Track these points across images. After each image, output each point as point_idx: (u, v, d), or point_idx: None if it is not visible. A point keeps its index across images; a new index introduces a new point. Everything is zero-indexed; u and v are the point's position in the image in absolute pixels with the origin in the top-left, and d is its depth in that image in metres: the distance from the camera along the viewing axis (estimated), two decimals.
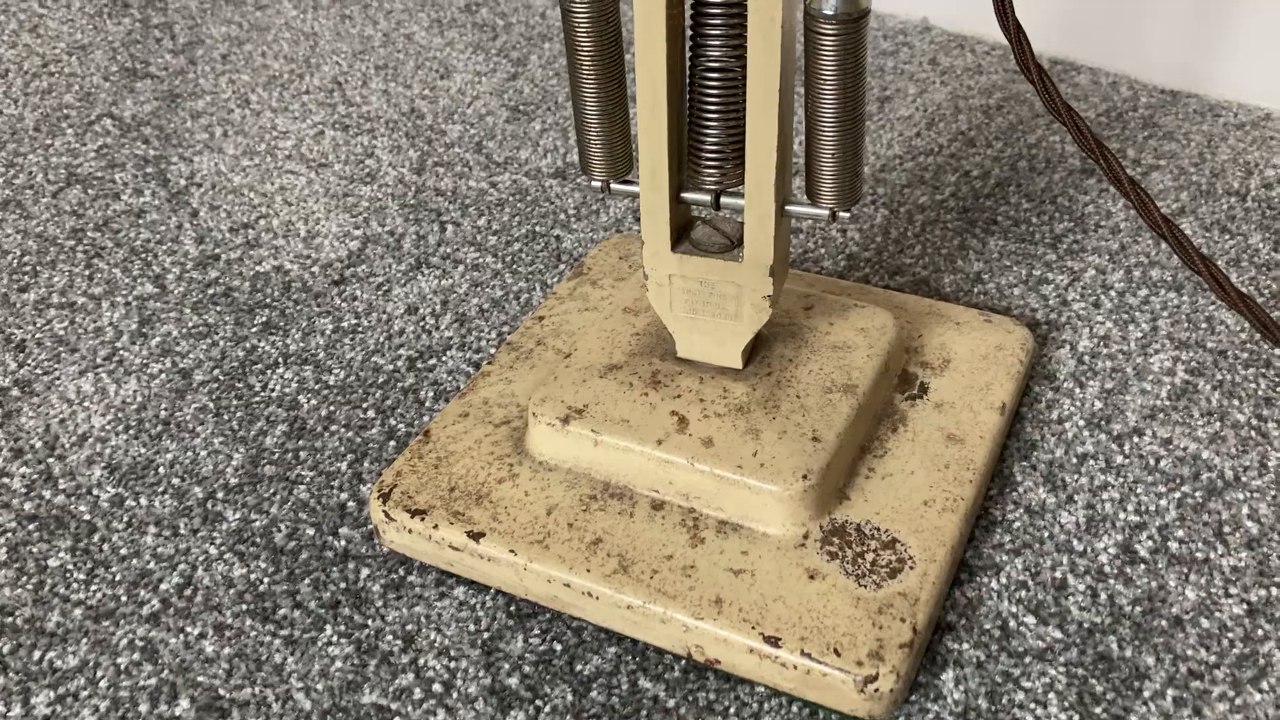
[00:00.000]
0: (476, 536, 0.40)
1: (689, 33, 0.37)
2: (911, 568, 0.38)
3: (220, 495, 0.45)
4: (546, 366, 0.45)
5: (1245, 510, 0.42)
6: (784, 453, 0.39)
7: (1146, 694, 0.37)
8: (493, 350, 0.51)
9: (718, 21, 0.36)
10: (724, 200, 0.39)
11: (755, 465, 0.39)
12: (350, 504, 0.44)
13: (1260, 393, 0.47)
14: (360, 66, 0.73)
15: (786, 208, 0.39)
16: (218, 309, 0.54)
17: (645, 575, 0.38)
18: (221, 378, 0.50)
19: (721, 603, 0.37)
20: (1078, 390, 0.48)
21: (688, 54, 0.37)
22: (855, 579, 0.38)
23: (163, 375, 0.51)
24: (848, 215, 0.38)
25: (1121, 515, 0.42)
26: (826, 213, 0.38)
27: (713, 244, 0.40)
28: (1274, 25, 0.63)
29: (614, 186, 0.40)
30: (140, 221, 0.60)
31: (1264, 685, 0.37)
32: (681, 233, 0.41)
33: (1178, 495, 0.43)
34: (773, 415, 0.41)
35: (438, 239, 0.58)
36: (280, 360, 0.51)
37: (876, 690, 0.35)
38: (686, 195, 0.39)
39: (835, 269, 0.55)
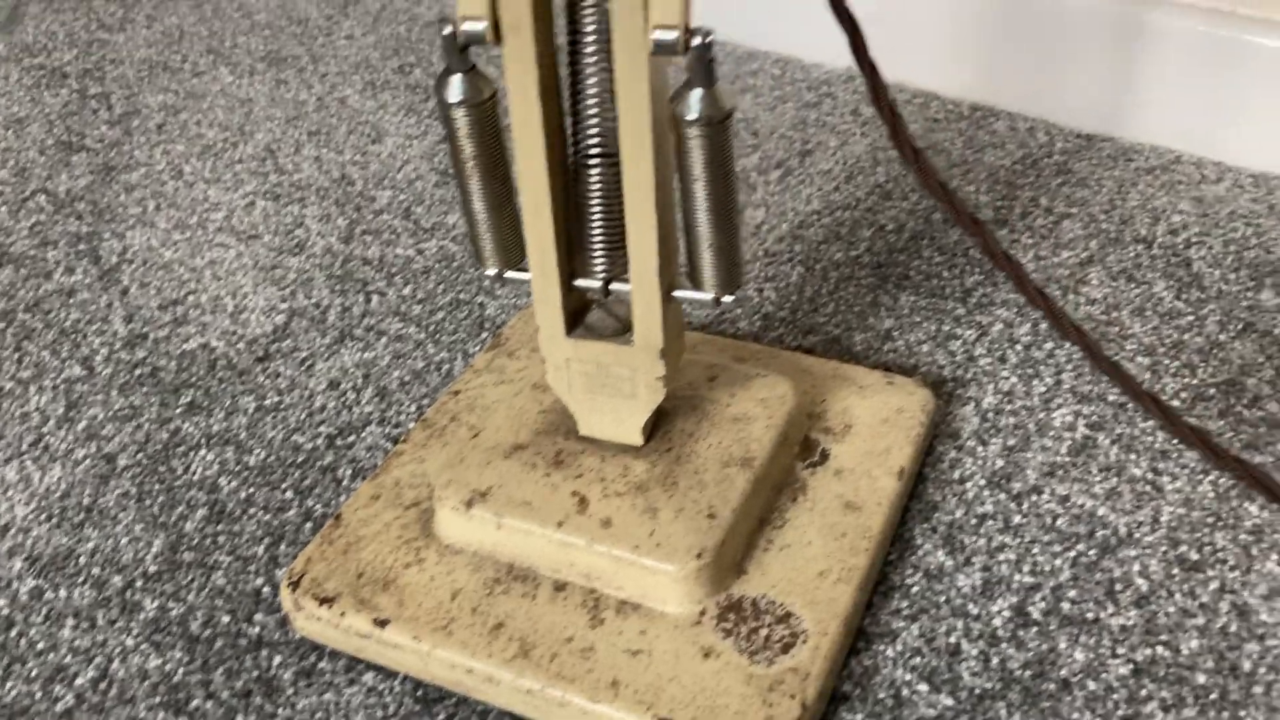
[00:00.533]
0: (382, 624, 0.41)
1: (570, 127, 0.38)
2: (804, 642, 0.39)
3: (139, 584, 0.46)
4: (457, 445, 0.45)
5: (1136, 567, 0.43)
6: (679, 531, 0.40)
7: None
8: (410, 425, 0.52)
9: (594, 119, 0.37)
10: (614, 286, 0.40)
11: (651, 545, 0.40)
12: (265, 589, 0.45)
13: (1157, 446, 0.48)
14: (293, 133, 0.74)
15: (674, 293, 0.40)
16: (144, 390, 0.55)
17: (545, 659, 0.39)
18: (145, 461, 0.51)
19: (618, 685, 0.38)
20: (980, 449, 0.49)
21: (570, 146, 0.38)
22: (748, 656, 0.39)
23: (87, 461, 0.51)
24: (730, 299, 0.39)
25: (1017, 577, 0.43)
26: (711, 297, 0.39)
27: (606, 328, 0.41)
28: (1184, 67, 0.65)
29: (508, 275, 0.41)
30: (71, 301, 0.61)
31: None
32: (578, 316, 0.42)
33: (1072, 554, 0.44)
34: (670, 493, 0.42)
35: (362, 310, 0.59)
36: (203, 442, 0.52)
37: None
38: (578, 282, 0.40)
39: (751, 329, 0.56)
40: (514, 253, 0.40)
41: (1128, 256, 0.59)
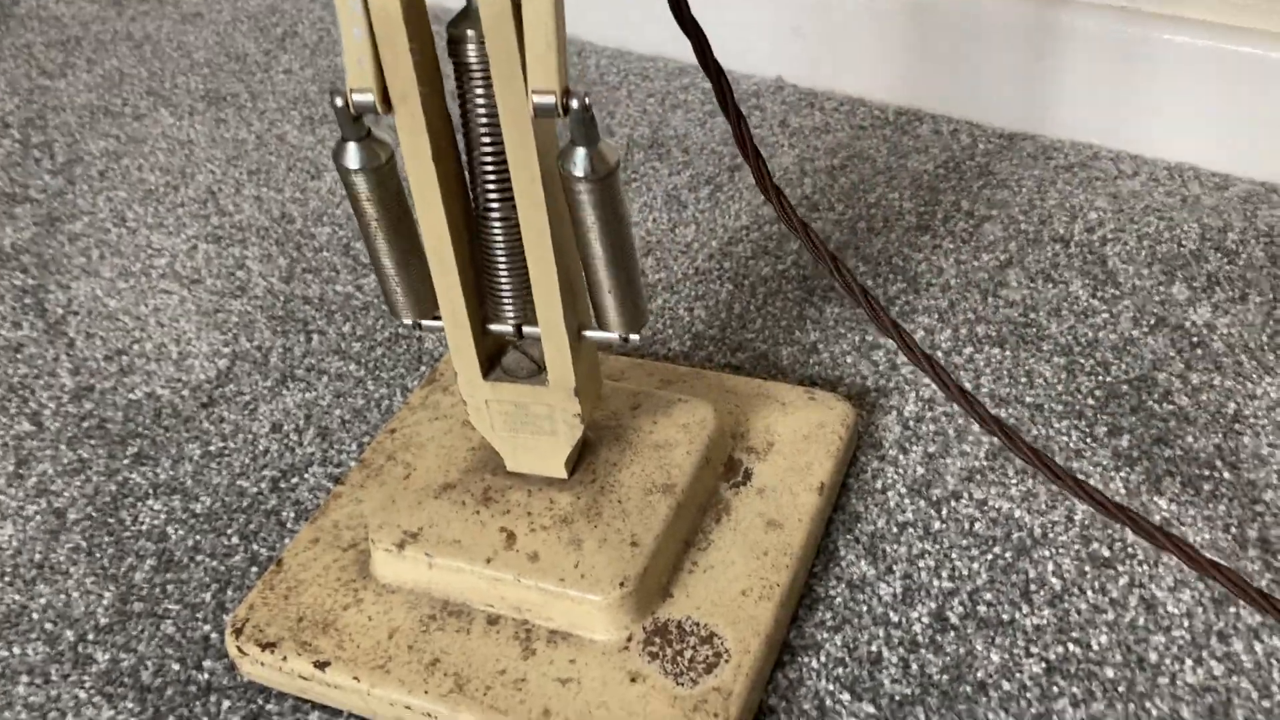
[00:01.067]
0: (323, 666, 0.42)
1: (469, 181, 0.39)
2: (726, 661, 0.41)
3: (90, 637, 0.47)
4: (390, 485, 0.47)
5: (1050, 567, 0.45)
6: (603, 562, 0.42)
7: None
8: (351, 464, 0.53)
9: (490, 175, 0.38)
10: (526, 330, 0.41)
11: (577, 576, 0.42)
12: (214, 635, 0.47)
13: (1071, 445, 0.50)
14: (234, 172, 0.75)
15: (584, 334, 0.41)
16: (92, 442, 0.56)
17: (479, 692, 0.41)
18: (94, 514, 0.53)
19: (549, 714, 0.40)
20: (901, 457, 0.50)
21: (471, 199, 0.40)
22: (674, 678, 0.40)
23: (38, 517, 0.53)
24: (637, 338, 0.41)
25: (936, 583, 0.45)
26: (617, 337, 0.41)
27: (521, 370, 0.42)
28: (1097, 63, 0.66)
29: (424, 324, 0.42)
30: (18, 356, 0.62)
31: None
32: (494, 359, 0.43)
33: (989, 558, 0.46)
34: (595, 523, 0.43)
35: (304, 350, 0.60)
36: (150, 491, 0.53)
37: None
38: (491, 327, 0.42)
39: (681, 349, 0.57)
40: (427, 303, 0.42)
41: (1045, 256, 0.60)
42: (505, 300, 0.41)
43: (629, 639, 0.42)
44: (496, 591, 0.43)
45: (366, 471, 0.50)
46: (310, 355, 0.60)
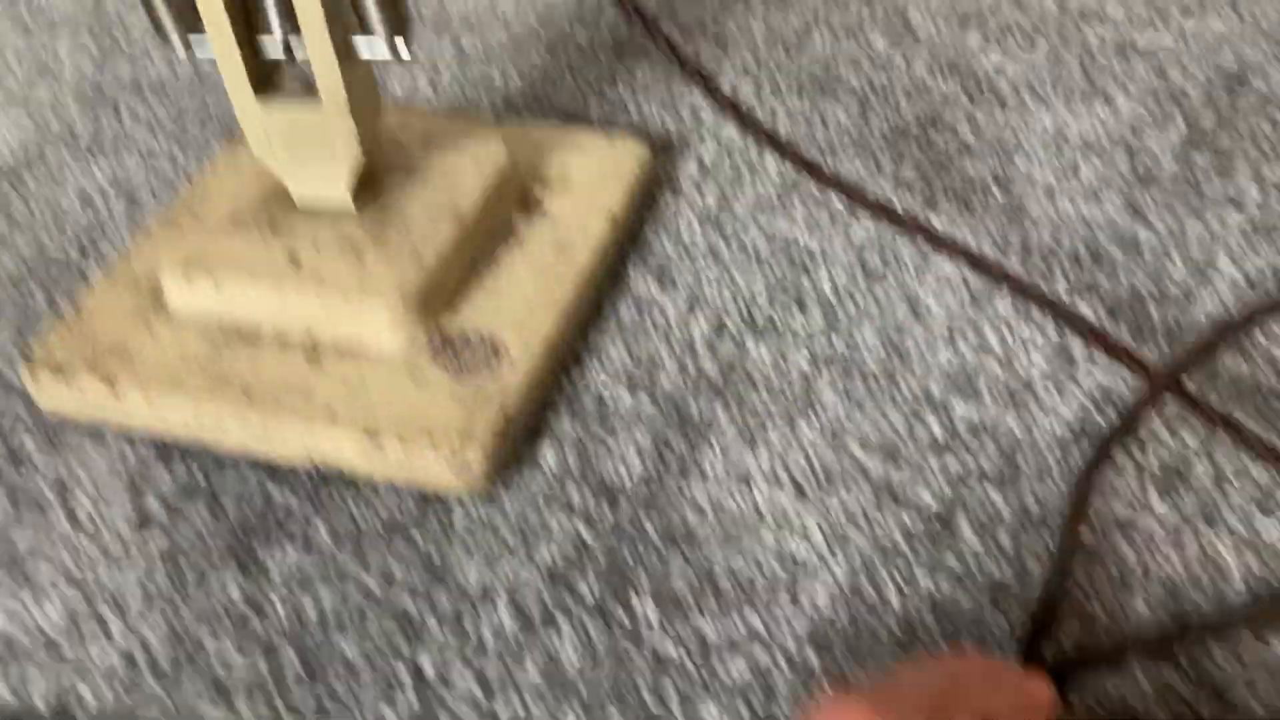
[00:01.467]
0: (115, 386, 0.43)
1: None
2: (508, 361, 0.42)
3: None
4: (184, 223, 0.47)
5: (825, 280, 0.47)
6: (386, 274, 0.43)
7: (714, 439, 0.42)
8: None
9: None
10: (293, 41, 0.42)
11: (359, 289, 0.43)
12: (11, 375, 0.47)
13: (859, 175, 0.52)
14: None
15: (350, 38, 0.41)
16: None
17: (268, 401, 0.42)
18: None
19: (335, 413, 0.41)
20: (696, 195, 0.52)
21: None
22: (455, 377, 0.42)
23: None
24: (406, 53, 0.41)
25: (718, 299, 0.47)
26: (384, 43, 0.41)
27: (294, 89, 0.43)
28: None
29: (192, 40, 0.42)
30: None
31: (813, 420, 0.42)
32: (268, 81, 0.43)
33: (769, 275, 0.48)
34: (379, 243, 0.44)
35: (115, 129, 0.60)
36: None
37: (466, 466, 0.40)
38: (261, 39, 0.42)
39: (495, 113, 0.58)
40: (189, 15, 0.42)
41: (850, 15, 0.62)
42: (268, 6, 0.41)
43: (413, 346, 0.43)
44: (284, 311, 0.44)
45: (165, 222, 0.50)
46: (120, 132, 0.60)
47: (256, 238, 0.45)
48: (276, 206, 0.46)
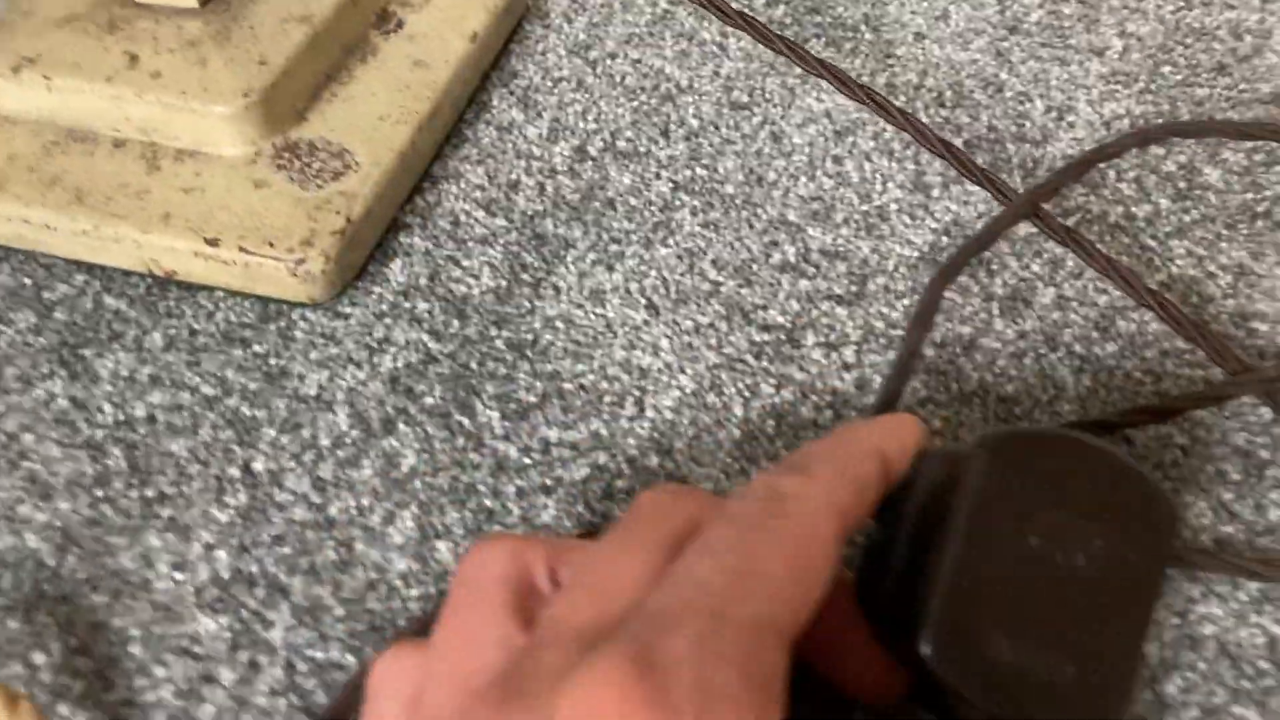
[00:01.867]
0: None
1: None
2: (355, 171, 0.41)
3: None
4: (13, 22, 0.44)
5: (691, 111, 0.47)
6: (229, 76, 0.41)
7: (570, 259, 0.41)
8: None
9: None
10: None
11: (200, 90, 0.41)
12: None
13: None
14: None
15: None
16: None
17: (100, 203, 0.40)
18: None
19: (170, 217, 0.39)
20: (566, 25, 0.51)
21: None
22: (299, 184, 0.40)
23: None
24: None
25: (581, 124, 0.46)
26: None
27: None
28: None
29: None
30: None
31: (670, 242, 0.42)
32: None
33: (635, 104, 0.47)
34: (223, 46, 0.42)
35: None
36: None
37: (308, 272, 0.38)
38: None
39: None
40: None
41: None
42: None
43: (256, 154, 0.41)
44: (120, 112, 0.41)
45: None
46: None
47: (92, 36, 0.42)
48: (116, 6, 0.43)
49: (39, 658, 0.32)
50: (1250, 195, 0.43)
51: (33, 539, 0.34)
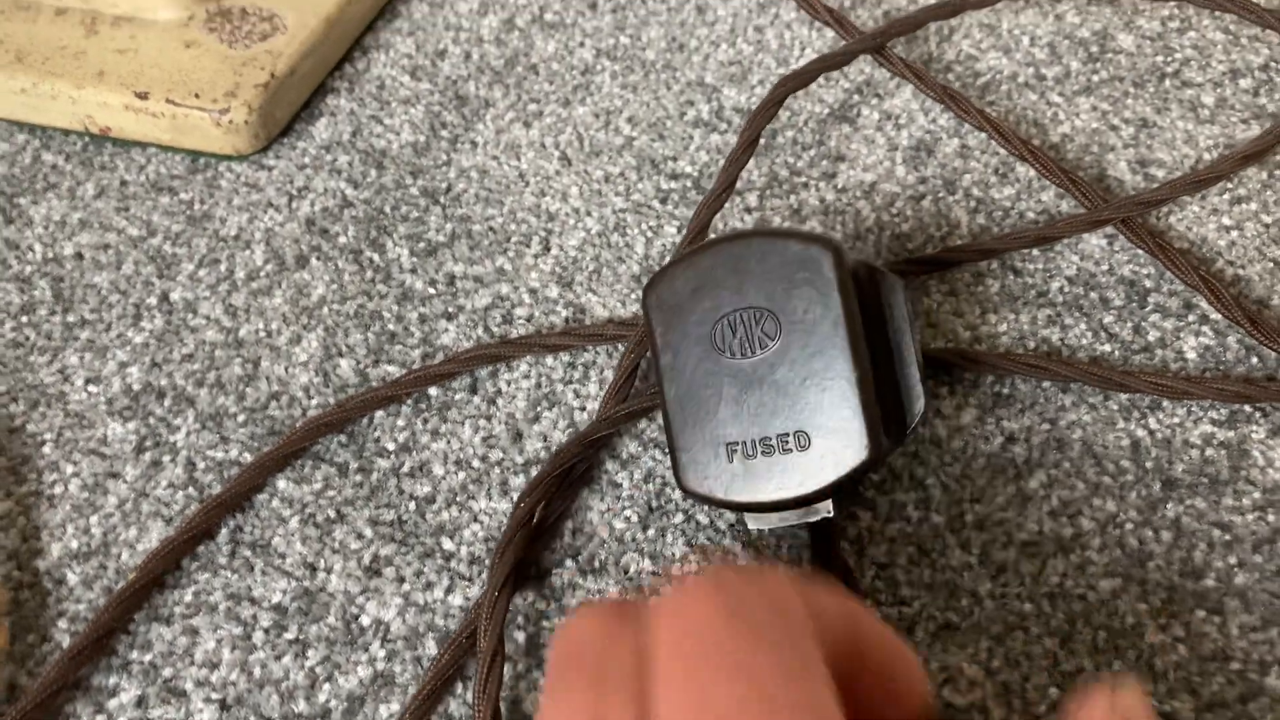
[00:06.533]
0: None
1: None
2: (282, 33, 0.42)
3: None
4: None
5: None
6: None
7: (489, 117, 0.43)
8: None
9: None
10: None
11: None
12: None
13: None
14: None
15: None
16: None
17: (38, 63, 0.42)
18: None
19: (104, 74, 0.41)
20: None
21: None
22: (228, 44, 0.42)
23: None
24: None
25: (511, 0, 0.48)
26: None
27: None
28: None
29: None
30: None
31: (588, 102, 0.43)
32: None
33: None
34: None
35: None
36: None
37: (231, 123, 0.40)
38: None
39: None
40: None
41: None
42: None
43: (190, 18, 0.43)
44: None
45: None
46: None
47: None
48: None
49: None
50: (1160, 58, 0.44)
51: None
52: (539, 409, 0.34)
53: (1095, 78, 0.43)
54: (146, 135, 0.41)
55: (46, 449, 0.34)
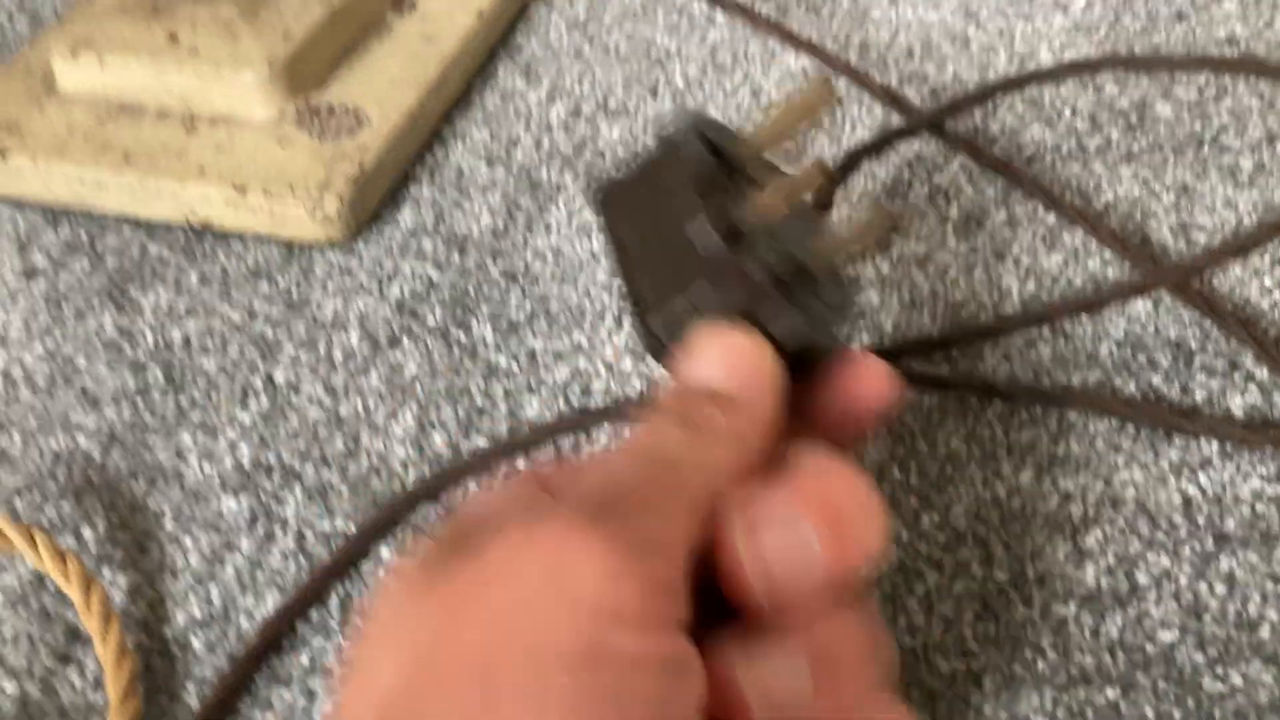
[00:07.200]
0: (4, 154, 0.46)
1: None
2: (368, 128, 0.46)
3: None
4: (72, 14, 0.50)
5: (678, 74, 0.51)
6: (256, 48, 0.46)
7: (560, 200, 0.45)
8: None
9: None
10: None
11: (232, 61, 0.46)
12: None
13: None
14: None
15: None
16: None
17: (144, 162, 0.45)
18: None
19: (205, 170, 0.45)
20: (567, 6, 0.55)
21: None
22: (318, 140, 0.45)
23: None
24: None
25: (578, 89, 0.51)
26: None
27: None
28: None
29: None
30: None
31: None
32: None
33: (627, 69, 0.51)
34: (252, 23, 0.47)
35: None
36: None
37: (324, 214, 0.43)
38: None
39: None
40: None
41: None
42: None
43: (281, 115, 0.46)
44: (162, 84, 0.47)
45: (62, 25, 0.53)
46: None
47: (139, 20, 0.48)
48: None
49: (87, 532, 0.36)
50: (1199, 125, 0.46)
51: (84, 440, 0.39)
52: None
53: (1135, 146, 0.45)
54: (245, 226, 0.44)
55: (167, 524, 0.36)
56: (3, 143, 0.46)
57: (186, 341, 0.42)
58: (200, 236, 0.45)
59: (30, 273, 0.45)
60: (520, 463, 0.37)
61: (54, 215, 0.47)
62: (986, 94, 0.43)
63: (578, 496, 0.22)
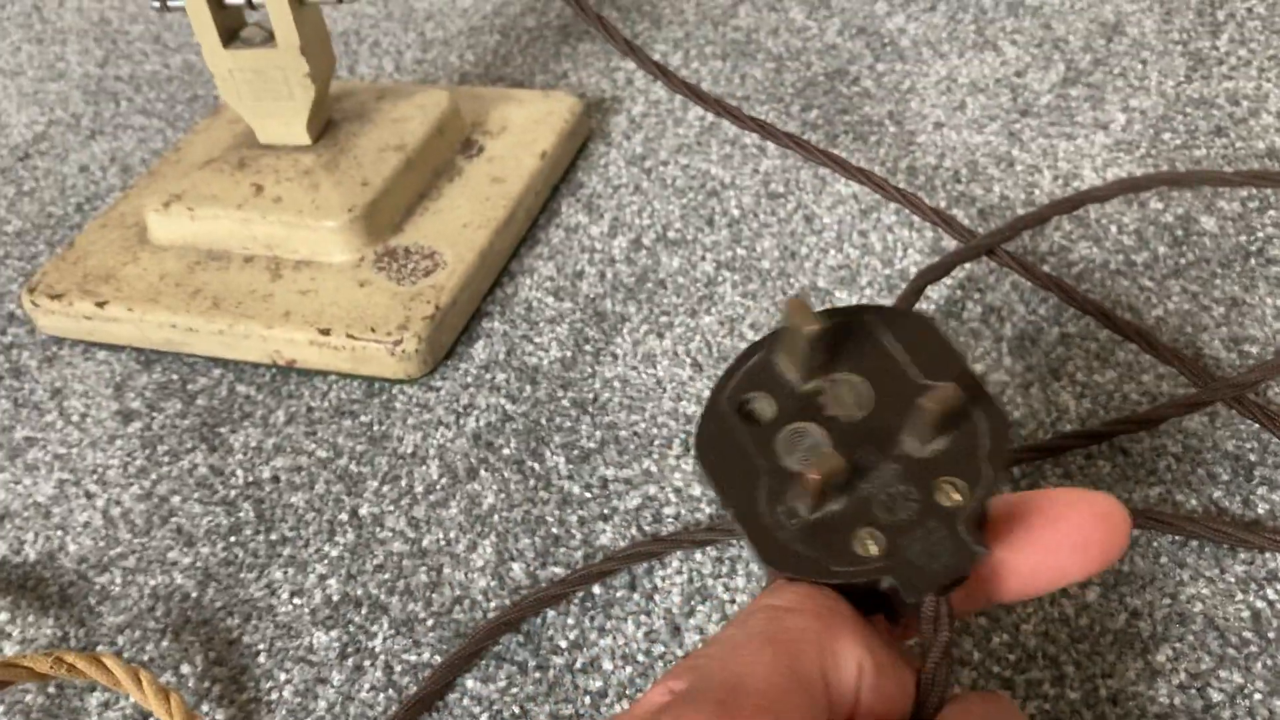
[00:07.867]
0: (102, 304, 0.49)
1: None
2: (443, 269, 0.48)
3: None
4: (165, 169, 0.54)
5: (733, 203, 0.53)
6: (336, 196, 0.49)
7: (625, 330, 0.47)
8: None
9: None
10: (256, 1, 0.48)
11: (313, 209, 0.49)
12: (18, 310, 0.53)
13: (769, 119, 0.58)
14: None
15: None
16: None
17: (233, 307, 0.48)
18: None
19: (290, 314, 0.47)
20: (625, 142, 0.58)
21: None
22: (396, 281, 0.48)
23: None
24: None
25: (637, 221, 0.53)
26: None
27: (256, 38, 0.49)
28: None
29: (170, 4, 0.49)
30: None
31: (712, 311, 0.48)
32: (235, 33, 0.50)
33: (684, 200, 0.54)
34: (332, 173, 0.50)
35: (113, 113, 0.67)
36: None
37: (404, 352, 0.45)
38: (227, 1, 0.49)
39: (449, 82, 0.65)
40: None
41: None
42: None
43: (361, 260, 0.49)
44: (248, 232, 0.50)
45: (152, 177, 0.56)
46: (118, 117, 0.66)
47: (226, 173, 0.51)
48: (245, 149, 0.52)
49: (186, 669, 0.38)
50: (1244, 238, 0.47)
51: (179, 578, 0.41)
52: (693, 603, 0.38)
53: (1183, 260, 0.46)
54: (328, 365, 0.47)
55: (261, 658, 0.38)
56: (101, 293, 0.49)
57: (275, 478, 0.44)
58: (286, 376, 0.48)
59: (127, 415, 0.47)
60: (596, 590, 0.38)
61: (147, 359, 0.50)
62: (1044, 216, 0.44)
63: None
